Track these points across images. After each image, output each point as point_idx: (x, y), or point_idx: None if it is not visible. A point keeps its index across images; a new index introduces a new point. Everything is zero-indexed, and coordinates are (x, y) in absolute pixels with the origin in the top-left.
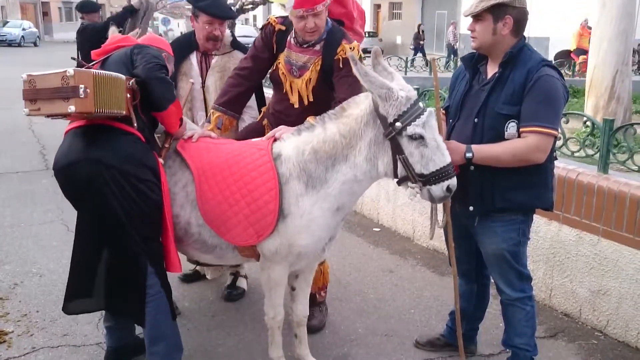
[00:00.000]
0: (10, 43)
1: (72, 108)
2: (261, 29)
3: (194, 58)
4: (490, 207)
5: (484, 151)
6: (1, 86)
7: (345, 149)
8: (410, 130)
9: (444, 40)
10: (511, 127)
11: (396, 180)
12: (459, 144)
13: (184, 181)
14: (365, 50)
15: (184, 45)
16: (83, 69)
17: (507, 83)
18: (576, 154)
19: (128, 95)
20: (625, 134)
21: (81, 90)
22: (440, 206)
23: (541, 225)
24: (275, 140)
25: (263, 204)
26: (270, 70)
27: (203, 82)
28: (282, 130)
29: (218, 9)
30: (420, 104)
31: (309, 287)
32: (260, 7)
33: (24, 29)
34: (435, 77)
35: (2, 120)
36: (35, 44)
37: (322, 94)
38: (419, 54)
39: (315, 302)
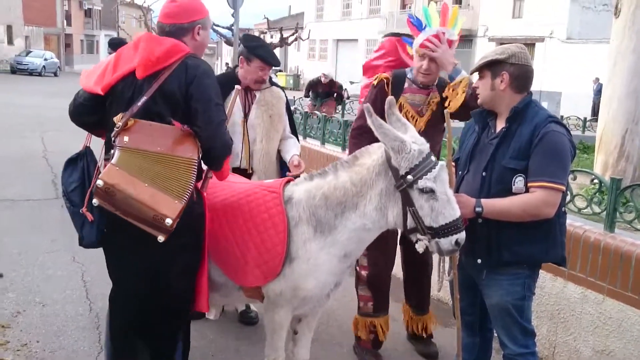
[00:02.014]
0: (31, 72)
1: (161, 239)
2: (375, 84)
3: (235, 93)
4: (498, 260)
5: (493, 205)
6: (18, 114)
7: (355, 197)
8: (421, 183)
9: None
10: (519, 182)
11: (405, 231)
12: (469, 198)
13: None
14: None
15: (227, 81)
16: (177, 205)
17: (515, 138)
18: (583, 211)
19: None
20: (632, 194)
21: (174, 227)
22: (447, 258)
23: (547, 281)
24: (287, 182)
25: (271, 246)
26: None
27: (246, 117)
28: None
29: (273, 58)
30: (432, 158)
31: (311, 331)
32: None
33: (45, 59)
34: (449, 129)
35: (16, 148)
36: (55, 74)
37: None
38: None
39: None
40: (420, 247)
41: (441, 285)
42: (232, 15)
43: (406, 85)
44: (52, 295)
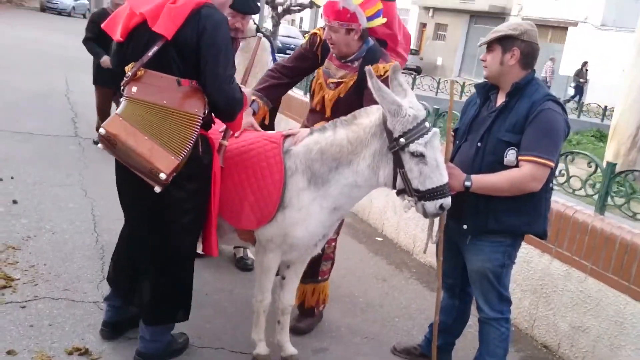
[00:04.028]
0: (60, 12)
1: (157, 189)
2: (309, 36)
3: None
4: (484, 227)
5: (482, 181)
6: (44, 51)
7: (350, 154)
8: (412, 147)
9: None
10: (510, 154)
11: (395, 191)
12: (461, 172)
13: None
14: (407, 68)
15: None
16: (173, 161)
17: (512, 112)
18: (577, 192)
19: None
20: (625, 179)
21: (170, 180)
22: (436, 221)
23: (534, 257)
24: (288, 136)
25: (267, 193)
26: (312, 82)
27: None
28: (302, 133)
29: (239, 5)
30: (427, 124)
31: (298, 278)
32: (308, 10)
33: (75, 0)
34: (451, 100)
35: (40, 84)
36: (84, 16)
37: (351, 109)
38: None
39: (312, 315)
40: (405, 208)
41: (426, 247)
42: None
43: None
44: (62, 225)
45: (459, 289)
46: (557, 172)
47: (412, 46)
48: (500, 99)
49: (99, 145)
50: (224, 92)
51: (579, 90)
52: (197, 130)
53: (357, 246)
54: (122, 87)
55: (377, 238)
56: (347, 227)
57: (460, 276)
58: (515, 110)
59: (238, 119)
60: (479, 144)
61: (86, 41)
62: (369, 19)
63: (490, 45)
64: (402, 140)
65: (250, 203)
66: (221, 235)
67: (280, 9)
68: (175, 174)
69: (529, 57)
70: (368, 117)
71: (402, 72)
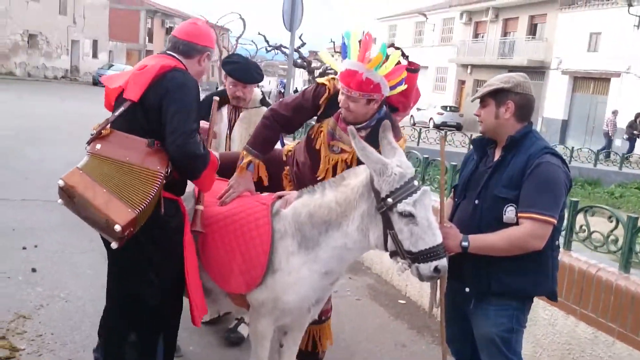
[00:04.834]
0: None
1: (114, 245)
2: (315, 86)
3: (225, 110)
4: (486, 290)
5: (480, 241)
6: (91, 123)
7: (339, 216)
8: (400, 207)
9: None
10: (509, 211)
11: (387, 253)
12: (457, 232)
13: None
14: (445, 124)
15: (223, 100)
16: (129, 214)
17: (508, 167)
18: (600, 249)
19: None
20: None
21: (126, 235)
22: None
23: (559, 318)
24: (280, 197)
25: (255, 255)
26: (311, 132)
27: (230, 133)
28: (291, 195)
29: (240, 74)
30: (415, 183)
31: (296, 345)
32: None
33: None
34: (442, 154)
35: (79, 154)
36: None
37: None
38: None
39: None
40: (400, 271)
41: (430, 311)
42: (300, 37)
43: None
44: (76, 292)
45: (468, 356)
46: (577, 228)
47: (452, 103)
48: (497, 154)
49: (59, 200)
50: (181, 146)
51: (632, 142)
52: (157, 187)
53: (376, 309)
54: (86, 145)
55: (399, 300)
56: (369, 288)
57: (470, 342)
58: (511, 165)
59: (204, 177)
60: (476, 201)
61: None
62: (392, 88)
63: (484, 99)
64: (389, 200)
65: (239, 265)
66: (215, 300)
67: (316, 72)
68: (132, 229)
69: (524, 109)
70: (356, 177)
71: (445, 129)
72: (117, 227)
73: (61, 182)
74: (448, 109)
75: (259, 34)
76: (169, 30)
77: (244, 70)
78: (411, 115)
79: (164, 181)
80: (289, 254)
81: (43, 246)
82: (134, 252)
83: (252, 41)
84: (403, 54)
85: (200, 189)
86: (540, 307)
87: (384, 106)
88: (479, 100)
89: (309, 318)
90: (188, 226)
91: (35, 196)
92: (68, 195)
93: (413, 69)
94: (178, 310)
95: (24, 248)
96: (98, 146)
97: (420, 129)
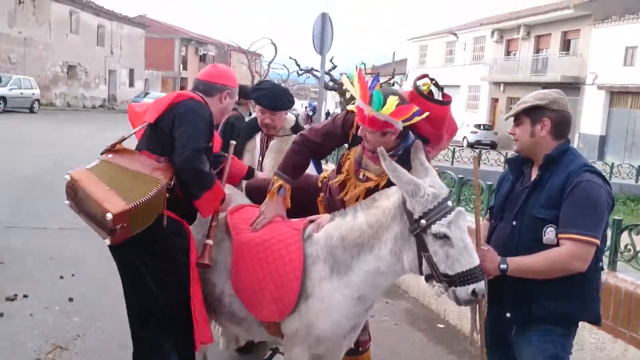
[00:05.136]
0: None
1: (107, 241)
2: (345, 114)
3: (258, 137)
4: (527, 315)
5: (519, 263)
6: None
7: (371, 239)
8: (434, 228)
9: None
10: (549, 232)
11: (423, 277)
12: (495, 254)
13: (226, 251)
14: (479, 143)
15: (253, 125)
16: (123, 206)
17: (546, 186)
18: None
19: (167, 195)
20: None
21: (118, 229)
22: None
23: (606, 342)
24: (312, 222)
25: (287, 281)
26: (342, 159)
27: (261, 161)
28: (323, 219)
29: (267, 100)
30: (449, 203)
31: None
32: None
33: None
34: (476, 174)
35: None
36: None
37: None
38: None
39: None
40: (436, 295)
41: (471, 337)
42: (331, 60)
43: None
44: (113, 322)
45: None
46: (622, 247)
47: (485, 121)
48: (534, 173)
49: (66, 201)
50: (187, 159)
51: None
52: (157, 191)
53: (415, 335)
54: (99, 155)
55: (438, 325)
56: (406, 313)
57: None
58: (549, 184)
59: (205, 199)
60: (514, 222)
61: None
62: (406, 120)
63: (518, 117)
64: (422, 221)
65: (272, 292)
66: (248, 329)
67: (348, 94)
68: (125, 224)
69: (560, 126)
70: (388, 199)
71: (479, 147)
72: (109, 216)
73: (68, 177)
74: (482, 127)
75: (290, 57)
76: (202, 58)
77: (271, 97)
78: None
79: (167, 195)
80: (321, 279)
81: (80, 275)
82: (137, 265)
83: (284, 65)
84: (437, 86)
85: (200, 212)
86: (586, 331)
87: (411, 135)
88: (512, 118)
89: (345, 347)
90: (194, 250)
91: (72, 224)
92: (72, 190)
93: (444, 101)
94: (190, 329)
95: (62, 277)
96: (110, 156)
97: (454, 148)
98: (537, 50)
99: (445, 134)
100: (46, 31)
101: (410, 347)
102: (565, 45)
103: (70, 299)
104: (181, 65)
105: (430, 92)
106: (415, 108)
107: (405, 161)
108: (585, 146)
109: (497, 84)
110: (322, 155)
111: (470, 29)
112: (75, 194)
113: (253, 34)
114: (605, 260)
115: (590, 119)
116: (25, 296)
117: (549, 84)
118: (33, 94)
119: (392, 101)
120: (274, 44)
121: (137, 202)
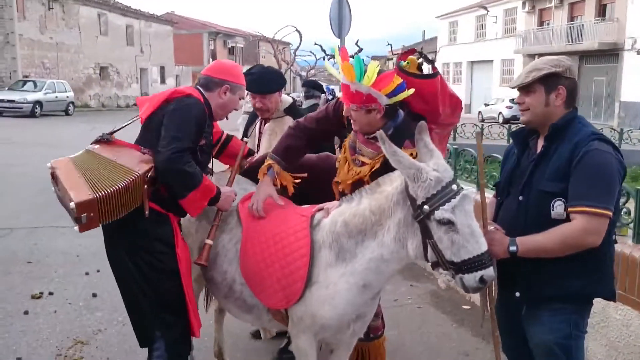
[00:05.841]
0: None
1: (76, 229)
2: (337, 100)
3: (258, 122)
4: (538, 294)
5: (529, 243)
6: None
7: (374, 225)
8: (438, 214)
9: (602, 107)
10: (558, 207)
11: (430, 264)
12: (503, 236)
13: (236, 239)
14: (515, 118)
15: (255, 111)
16: (87, 195)
17: (553, 158)
18: None
19: (145, 187)
20: None
21: (83, 218)
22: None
23: (633, 319)
24: (320, 210)
25: (295, 269)
26: (339, 147)
27: (259, 145)
28: (332, 205)
29: (253, 85)
30: (454, 187)
31: None
32: None
33: None
34: (480, 153)
35: None
36: None
37: None
38: None
39: None
40: (442, 283)
41: (483, 321)
42: (356, 44)
43: None
44: None
45: None
46: None
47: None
48: (540, 145)
49: (52, 188)
50: (167, 158)
51: None
52: (127, 182)
53: (439, 317)
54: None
55: (464, 306)
56: (431, 295)
57: (528, 354)
58: (556, 156)
59: (191, 200)
60: (520, 197)
61: None
62: (390, 95)
63: (529, 85)
64: (425, 207)
65: (279, 279)
66: (259, 317)
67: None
68: (92, 214)
69: (573, 94)
70: (391, 183)
71: (515, 123)
72: (72, 205)
73: (49, 164)
74: (513, 101)
75: (315, 44)
76: (231, 50)
77: (256, 81)
78: (479, 112)
79: (145, 186)
80: (327, 266)
81: (105, 271)
82: (123, 259)
83: (311, 52)
84: (427, 60)
85: (187, 211)
86: (611, 308)
87: (401, 113)
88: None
89: (350, 335)
90: (181, 243)
91: None
92: (54, 178)
93: (428, 74)
94: (181, 323)
95: (87, 274)
96: (96, 146)
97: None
98: (572, 18)
99: (443, 108)
100: (76, 35)
101: (434, 330)
102: (601, 11)
103: (94, 295)
104: (210, 59)
105: (420, 68)
106: (399, 79)
107: (397, 141)
108: (626, 114)
109: (532, 56)
110: (318, 141)
111: (500, 1)
112: (56, 182)
113: (279, 23)
114: (630, 232)
115: (630, 86)
116: (50, 293)
117: (586, 52)
118: (67, 97)
119: (373, 68)
120: (299, 31)
121: (103, 192)
